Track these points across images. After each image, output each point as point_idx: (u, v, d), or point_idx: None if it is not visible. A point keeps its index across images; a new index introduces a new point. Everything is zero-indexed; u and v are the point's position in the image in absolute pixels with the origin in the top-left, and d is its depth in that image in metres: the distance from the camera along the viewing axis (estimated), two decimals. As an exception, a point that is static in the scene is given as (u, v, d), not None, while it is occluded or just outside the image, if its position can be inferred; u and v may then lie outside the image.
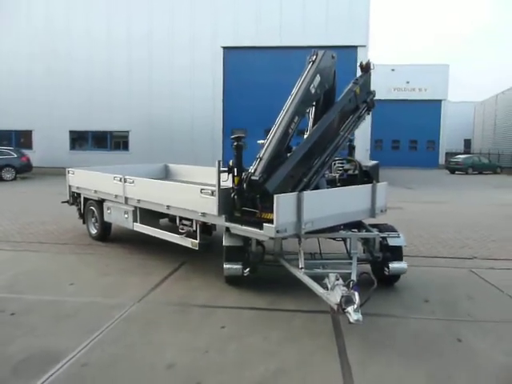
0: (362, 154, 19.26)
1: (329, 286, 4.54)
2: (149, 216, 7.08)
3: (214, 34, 23.91)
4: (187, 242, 6.24)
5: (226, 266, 5.59)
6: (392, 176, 19.99)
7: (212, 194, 5.55)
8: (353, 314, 3.93)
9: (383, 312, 5.00)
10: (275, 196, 4.75)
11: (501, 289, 5.93)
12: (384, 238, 5.85)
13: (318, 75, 5.92)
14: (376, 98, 6.81)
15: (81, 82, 25.01)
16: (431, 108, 41.72)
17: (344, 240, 6.16)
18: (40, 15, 25.17)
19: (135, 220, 7.16)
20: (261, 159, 5.34)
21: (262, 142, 5.60)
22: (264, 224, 4.87)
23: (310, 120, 6.55)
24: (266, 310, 5.09)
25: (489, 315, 5.04)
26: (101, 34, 24.82)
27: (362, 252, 6.11)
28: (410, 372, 3.73)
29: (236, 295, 5.53)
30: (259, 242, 5.70)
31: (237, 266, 5.54)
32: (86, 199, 8.52)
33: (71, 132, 25.91)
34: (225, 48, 23.93)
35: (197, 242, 6.08)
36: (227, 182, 5.47)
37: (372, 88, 6.74)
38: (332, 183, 6.38)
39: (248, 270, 5.57)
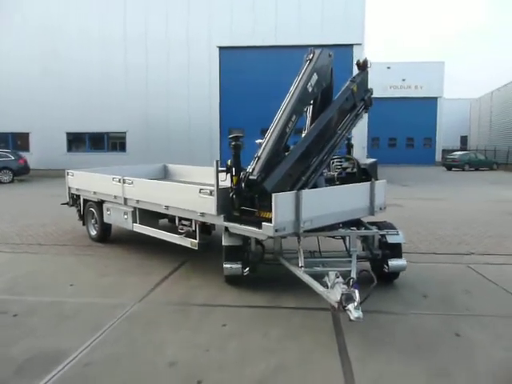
0: (359, 152, 19.28)
1: (329, 284, 4.55)
2: (148, 216, 7.10)
3: (210, 33, 23.90)
4: (187, 242, 6.26)
5: (225, 265, 5.60)
6: (389, 173, 20.04)
7: (210, 193, 5.57)
8: (353, 312, 3.95)
9: (382, 308, 5.04)
10: (273, 195, 4.78)
11: (497, 283, 5.99)
12: (383, 236, 5.88)
13: (315, 74, 5.93)
14: (372, 95, 6.84)
15: (77, 83, 24.93)
16: (427, 105, 41.81)
17: (343, 238, 6.21)
18: (36, 16, 25.08)
19: (135, 221, 7.18)
20: (259, 158, 5.35)
21: (260, 141, 5.61)
22: (263, 223, 4.89)
23: (308, 119, 6.55)
24: (265, 308, 5.13)
25: (486, 309, 5.10)
26: (97, 34, 24.74)
27: (361, 250, 6.14)
28: (410, 368, 3.78)
29: (235, 294, 5.57)
30: (259, 242, 5.72)
31: (236, 266, 5.55)
32: (85, 201, 8.54)
33: (68, 134, 25.84)
34: (221, 48, 23.94)
35: (196, 241, 6.09)
36: (226, 181, 5.49)
37: (369, 86, 6.77)
38: (331, 181, 6.41)
39: (248, 269, 5.60)
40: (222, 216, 5.50)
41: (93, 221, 8.49)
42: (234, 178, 5.42)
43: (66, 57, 24.86)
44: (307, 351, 4.08)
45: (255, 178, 5.15)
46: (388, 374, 3.71)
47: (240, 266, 5.55)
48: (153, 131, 24.77)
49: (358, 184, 6.15)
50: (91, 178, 8.32)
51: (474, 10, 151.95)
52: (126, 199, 7.21)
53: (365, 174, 6.41)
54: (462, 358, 3.95)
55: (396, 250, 5.83)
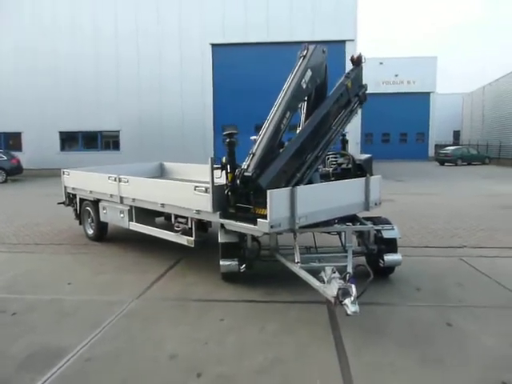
0: (353, 147, 19.32)
1: (325, 280, 4.58)
2: (144, 215, 7.13)
3: (202, 30, 23.86)
4: (183, 240, 6.29)
5: (222, 262, 5.63)
6: (383, 169, 20.17)
7: (206, 191, 5.60)
8: (350, 306, 3.99)
9: (377, 301, 5.12)
10: (268, 191, 4.81)
11: (489, 276, 6.10)
12: (378, 231, 5.92)
13: (309, 70, 5.94)
14: (367, 91, 6.86)
15: (69, 81, 24.81)
16: (420, 100, 41.99)
17: (339, 233, 6.23)
18: (25, 12, 24.89)
19: (131, 219, 7.22)
20: (253, 155, 5.36)
21: (255, 137, 5.62)
22: (258, 220, 4.92)
23: (302, 115, 6.57)
24: (262, 303, 5.20)
25: (478, 301, 5.21)
26: (88, 31, 24.64)
27: (356, 245, 6.20)
28: (404, 357, 3.87)
29: (232, 290, 5.63)
30: (255, 238, 5.74)
31: (233, 263, 5.58)
32: (81, 200, 8.54)
33: (61, 133, 25.73)
34: (213, 45, 23.92)
35: (192, 239, 6.12)
36: (221, 178, 5.52)
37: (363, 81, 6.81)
38: (326, 177, 6.44)
39: (244, 266, 5.64)
40: (217, 213, 5.52)
41: (89, 220, 8.51)
42: (229, 174, 5.43)
43: (57, 54, 24.71)
44: (304, 344, 4.15)
45: (250, 174, 5.17)
46: (383, 364, 3.79)
47: (237, 262, 5.58)
48: (146, 128, 24.73)
49: (353, 179, 6.18)
50: (87, 177, 8.33)
51: (468, 3, 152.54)
52: (122, 198, 7.24)
53: (360, 170, 6.45)
54: (454, 347, 4.05)
55: (391, 245, 5.87)
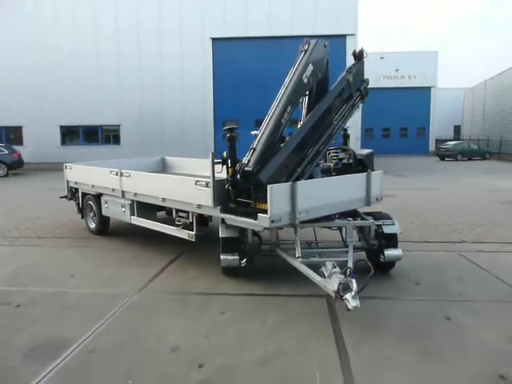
0: (353, 142, 19.34)
1: (326, 274, 4.61)
2: (146, 209, 7.17)
3: (203, 24, 23.80)
4: (184, 234, 6.32)
5: (222, 257, 5.65)
6: (383, 164, 20.14)
7: (207, 185, 5.62)
8: (351, 301, 4.01)
9: (377, 295, 5.17)
10: (268, 186, 4.82)
11: (489, 271, 6.15)
12: (379, 226, 5.94)
13: (310, 64, 5.92)
14: (368, 86, 6.83)
15: (70, 75, 24.83)
16: (421, 95, 41.89)
17: (340, 229, 6.23)
18: (27, 7, 24.86)
19: (132, 213, 7.25)
20: (254, 150, 5.36)
21: (256, 132, 5.62)
22: (259, 214, 4.94)
23: (304, 110, 6.57)
24: (262, 296, 5.26)
25: (477, 295, 5.26)
26: (89, 26, 24.60)
27: (357, 240, 6.21)
28: (403, 351, 3.92)
29: (232, 283, 5.68)
30: (255, 233, 5.76)
31: (234, 257, 5.60)
32: (83, 194, 8.58)
33: (62, 127, 25.76)
34: (214, 39, 23.86)
35: (193, 233, 6.16)
36: (222, 173, 5.53)
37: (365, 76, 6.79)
38: (327, 172, 6.44)
39: (245, 260, 5.66)
40: (218, 208, 5.55)
41: (91, 214, 8.55)
42: (229, 169, 5.44)
43: (59, 49, 24.69)
44: (304, 337, 4.20)
45: (250, 169, 5.18)
46: (381, 356, 3.84)
47: (237, 257, 5.60)
48: (147, 123, 24.74)
49: (354, 175, 6.17)
50: (89, 171, 8.36)
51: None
52: (123, 192, 7.28)
53: (361, 165, 6.45)
54: (453, 341, 4.10)
55: (392, 240, 5.88)
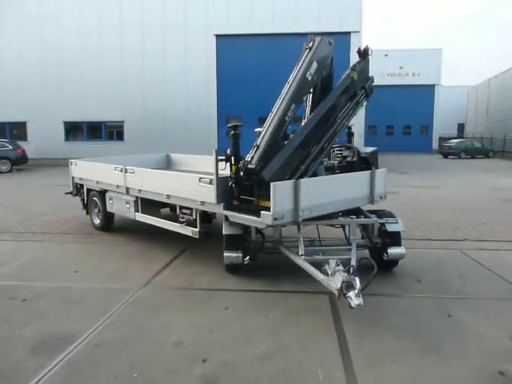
0: (357, 140, 19.35)
1: (329, 272, 4.62)
2: (150, 206, 7.19)
3: (207, 21, 23.77)
4: (187, 231, 6.35)
5: (226, 254, 5.68)
6: (387, 161, 20.16)
7: (210, 182, 5.63)
8: (354, 299, 4.01)
9: (379, 292, 5.20)
10: (271, 184, 4.81)
11: (490, 268, 6.17)
12: (382, 224, 5.93)
13: (314, 62, 5.90)
14: (373, 83, 6.80)
15: (74, 71, 24.88)
16: (425, 93, 41.76)
17: (343, 226, 6.24)
18: (31, 3, 24.89)
19: (137, 210, 7.29)
20: (258, 147, 5.37)
21: (260, 129, 5.62)
22: (261, 212, 4.94)
23: (308, 107, 6.54)
24: (265, 292, 5.30)
25: (478, 293, 5.29)
26: (93, 22, 24.62)
27: (360, 238, 6.21)
28: (404, 347, 3.96)
29: (236, 279, 5.74)
30: (259, 230, 5.76)
31: (237, 255, 5.63)
32: (88, 190, 8.63)
33: (66, 123, 25.83)
34: (218, 36, 23.84)
35: (197, 230, 6.18)
36: (225, 170, 5.54)
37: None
38: (331, 170, 6.43)
39: (248, 258, 5.66)
40: (221, 205, 5.56)
41: (96, 210, 8.61)
42: (233, 166, 5.46)
43: (62, 45, 24.74)
44: (306, 333, 4.25)
45: (254, 166, 5.18)
46: (383, 351, 3.89)
47: (240, 254, 5.63)
48: (150, 119, 24.78)
49: (358, 172, 6.16)
50: (94, 168, 8.40)
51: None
52: (128, 188, 7.31)
53: (365, 163, 6.43)
54: (453, 338, 4.14)
55: (395, 239, 5.88)
